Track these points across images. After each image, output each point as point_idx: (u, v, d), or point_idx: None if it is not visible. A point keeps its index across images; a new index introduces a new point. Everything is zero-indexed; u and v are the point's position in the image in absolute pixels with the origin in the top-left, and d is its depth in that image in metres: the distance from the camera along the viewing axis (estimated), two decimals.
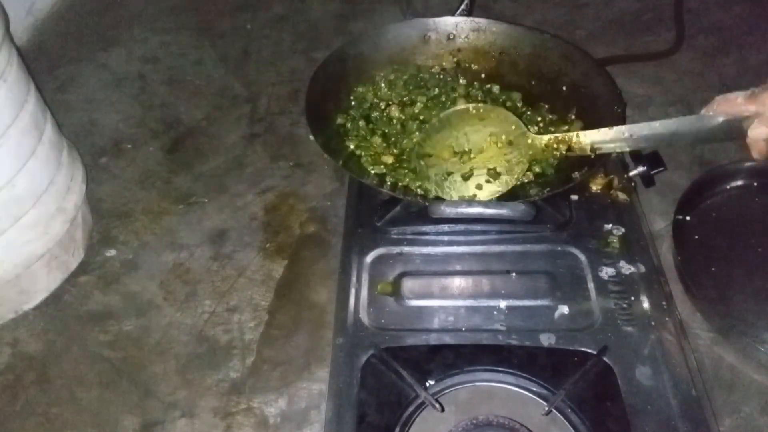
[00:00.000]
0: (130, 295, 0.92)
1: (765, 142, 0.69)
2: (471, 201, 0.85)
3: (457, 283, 0.85)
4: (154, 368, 0.84)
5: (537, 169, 0.91)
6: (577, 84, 1.00)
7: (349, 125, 0.97)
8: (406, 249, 0.89)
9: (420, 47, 1.08)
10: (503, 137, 0.88)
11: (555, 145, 0.88)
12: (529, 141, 0.88)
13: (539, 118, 0.98)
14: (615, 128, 0.84)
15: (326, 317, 0.87)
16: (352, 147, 0.94)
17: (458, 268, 0.87)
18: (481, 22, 1.07)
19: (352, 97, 1.02)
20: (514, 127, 0.88)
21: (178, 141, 1.17)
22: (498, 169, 0.88)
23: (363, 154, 0.93)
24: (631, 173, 0.94)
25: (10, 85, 0.80)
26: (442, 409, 0.70)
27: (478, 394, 0.73)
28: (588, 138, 0.87)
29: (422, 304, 0.83)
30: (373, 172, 0.91)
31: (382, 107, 1.00)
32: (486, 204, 0.84)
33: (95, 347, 0.86)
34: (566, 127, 0.96)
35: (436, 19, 1.07)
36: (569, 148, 0.88)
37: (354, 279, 0.86)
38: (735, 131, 0.72)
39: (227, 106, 1.24)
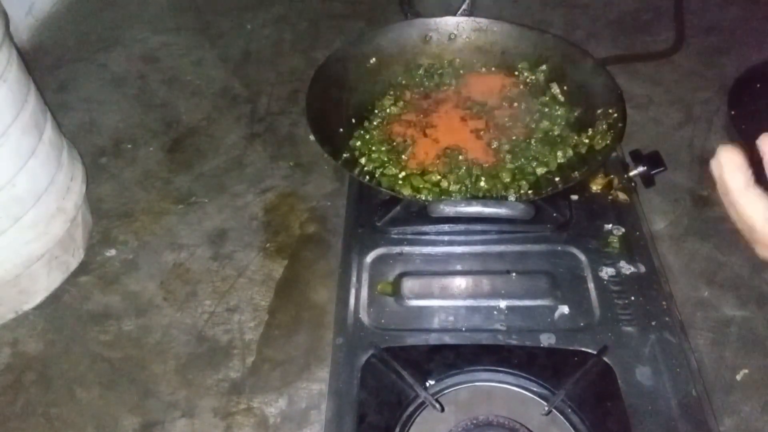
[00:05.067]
0: (130, 295, 0.92)
1: None
2: (470, 200, 0.85)
3: (457, 283, 0.85)
4: (154, 368, 0.84)
5: (540, 170, 0.91)
6: (579, 84, 1.00)
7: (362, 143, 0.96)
8: (406, 249, 0.89)
9: (421, 47, 1.08)
10: None
11: None
12: None
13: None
14: None
15: (326, 317, 0.87)
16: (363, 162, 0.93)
17: (458, 268, 0.87)
18: (483, 22, 1.07)
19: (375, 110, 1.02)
20: None
21: (178, 141, 1.17)
22: None
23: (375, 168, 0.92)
24: (631, 173, 0.93)
25: (10, 85, 0.80)
26: (442, 409, 0.70)
27: (478, 394, 0.73)
28: None
29: (422, 304, 0.83)
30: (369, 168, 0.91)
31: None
32: (484, 203, 0.84)
33: (95, 347, 0.86)
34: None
35: (437, 19, 1.07)
36: None
37: (354, 279, 0.86)
38: None
39: (227, 106, 1.24)
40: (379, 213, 0.92)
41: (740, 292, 0.88)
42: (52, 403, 0.81)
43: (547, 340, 0.78)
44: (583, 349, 0.76)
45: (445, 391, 0.73)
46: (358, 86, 1.03)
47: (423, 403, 0.71)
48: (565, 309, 0.81)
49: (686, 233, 0.96)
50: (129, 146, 1.16)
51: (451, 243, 0.90)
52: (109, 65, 1.35)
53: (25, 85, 0.85)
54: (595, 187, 0.95)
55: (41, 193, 0.87)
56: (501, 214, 0.82)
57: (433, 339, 0.78)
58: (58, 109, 1.17)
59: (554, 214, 0.91)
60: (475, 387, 0.74)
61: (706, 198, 1.01)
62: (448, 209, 0.82)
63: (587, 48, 1.04)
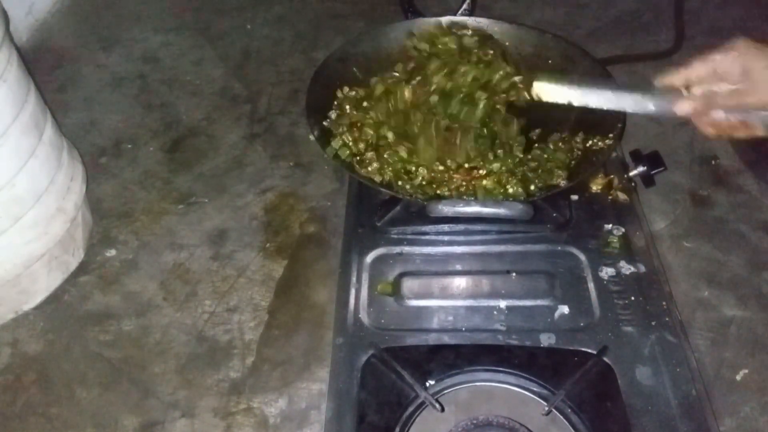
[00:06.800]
0: (130, 295, 0.92)
1: (704, 120, 0.70)
2: (468, 200, 0.85)
3: (457, 283, 0.85)
4: (154, 368, 0.84)
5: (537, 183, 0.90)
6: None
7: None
8: (406, 249, 0.89)
9: None
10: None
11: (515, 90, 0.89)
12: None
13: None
14: (574, 90, 0.83)
15: (326, 317, 0.87)
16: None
17: (458, 268, 0.87)
18: (483, 21, 1.06)
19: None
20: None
21: (178, 141, 1.17)
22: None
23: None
24: (631, 173, 0.94)
25: (10, 85, 0.80)
26: (442, 409, 0.70)
27: (478, 394, 0.73)
28: (543, 94, 0.87)
29: (422, 304, 0.83)
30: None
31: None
32: (483, 203, 0.84)
33: (95, 347, 0.86)
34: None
35: (438, 19, 1.07)
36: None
37: (354, 279, 0.86)
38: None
39: (227, 106, 1.24)
40: (379, 213, 0.92)
41: (740, 292, 0.88)
42: (52, 403, 0.81)
43: (547, 340, 0.77)
44: (583, 349, 0.76)
45: (445, 391, 0.73)
46: (358, 86, 1.03)
47: (423, 403, 0.71)
48: (565, 309, 0.81)
49: (686, 233, 0.96)
50: (129, 146, 1.16)
51: (450, 243, 0.90)
52: (109, 65, 1.35)
53: (25, 85, 0.85)
54: (595, 187, 0.95)
55: (41, 193, 0.87)
56: (500, 214, 0.82)
57: (433, 339, 0.78)
58: (58, 109, 1.17)
59: (554, 214, 0.91)
60: (475, 387, 0.74)
61: (706, 198, 1.01)
62: (446, 209, 0.82)
63: (587, 48, 1.04)
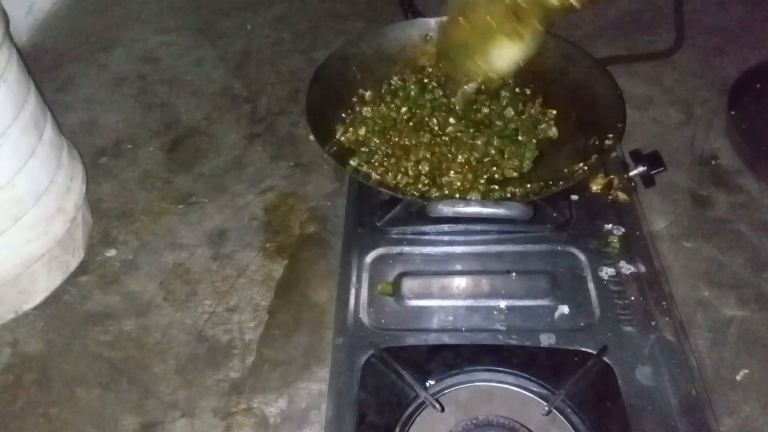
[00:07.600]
0: (130, 295, 0.92)
1: None
2: (468, 200, 0.85)
3: (457, 283, 0.85)
4: (154, 368, 0.84)
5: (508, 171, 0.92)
6: (579, 84, 1.00)
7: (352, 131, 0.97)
8: (406, 249, 0.89)
9: (421, 47, 1.07)
10: None
11: None
12: None
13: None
14: None
15: (326, 317, 0.87)
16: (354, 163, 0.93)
17: (458, 268, 0.87)
18: None
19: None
20: None
21: (178, 141, 1.17)
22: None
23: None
24: (631, 173, 0.94)
25: (10, 85, 0.80)
26: (442, 409, 0.70)
27: (478, 394, 0.73)
28: None
29: (422, 304, 0.83)
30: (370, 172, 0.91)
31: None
32: (483, 203, 0.84)
33: (95, 347, 0.86)
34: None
35: (438, 19, 1.07)
36: None
37: (354, 279, 0.86)
38: None
39: (227, 106, 1.24)
40: (379, 213, 0.92)
41: (740, 292, 0.88)
42: (52, 403, 0.81)
43: (547, 340, 0.77)
44: (583, 349, 0.76)
45: (445, 391, 0.73)
46: (358, 86, 1.03)
47: (423, 403, 0.71)
48: (565, 309, 0.81)
49: (686, 233, 0.96)
50: (129, 146, 1.16)
51: (450, 243, 0.90)
52: (109, 65, 1.35)
53: (25, 85, 0.85)
54: (595, 187, 0.95)
55: (41, 193, 0.87)
56: (499, 215, 0.82)
57: (433, 339, 0.78)
58: (58, 109, 1.17)
59: (554, 214, 0.91)
60: (475, 387, 0.74)
61: (706, 198, 1.01)
62: (446, 209, 0.82)
63: (587, 48, 1.04)
